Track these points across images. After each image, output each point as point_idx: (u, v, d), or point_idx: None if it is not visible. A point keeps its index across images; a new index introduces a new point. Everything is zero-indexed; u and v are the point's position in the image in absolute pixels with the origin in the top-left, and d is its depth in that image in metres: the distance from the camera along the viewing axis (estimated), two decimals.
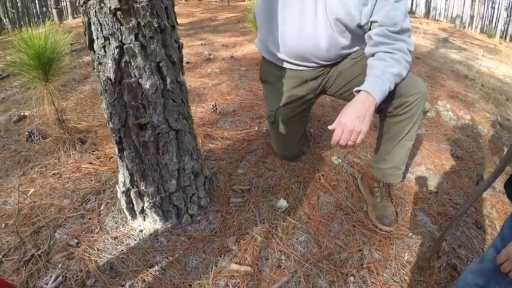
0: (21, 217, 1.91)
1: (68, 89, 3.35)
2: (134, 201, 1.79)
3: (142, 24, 1.37)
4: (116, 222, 1.89)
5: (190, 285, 1.62)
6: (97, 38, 1.41)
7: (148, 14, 1.37)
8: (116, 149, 1.68)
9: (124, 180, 1.77)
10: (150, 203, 1.81)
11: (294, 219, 1.97)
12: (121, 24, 1.35)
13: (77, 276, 1.62)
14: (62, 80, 2.51)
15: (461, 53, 7.22)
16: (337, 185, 2.25)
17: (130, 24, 1.35)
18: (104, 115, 1.64)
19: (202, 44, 5.20)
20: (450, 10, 13.93)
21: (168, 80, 1.55)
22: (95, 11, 1.35)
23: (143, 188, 1.77)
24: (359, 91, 1.61)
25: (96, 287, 1.58)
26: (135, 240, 1.80)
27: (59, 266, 1.67)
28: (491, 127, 3.57)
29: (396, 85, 1.71)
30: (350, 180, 2.29)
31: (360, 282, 1.69)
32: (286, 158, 2.40)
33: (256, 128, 2.79)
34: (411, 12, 13.83)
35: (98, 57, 1.46)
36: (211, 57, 4.46)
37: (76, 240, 1.77)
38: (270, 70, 2.15)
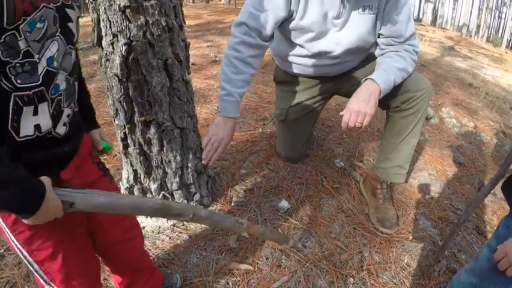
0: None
1: None
2: None
3: (151, 22, 1.40)
4: None
5: (191, 283, 1.63)
6: (106, 34, 1.43)
7: (156, 12, 1.39)
8: (121, 146, 1.70)
9: (128, 177, 1.79)
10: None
11: (295, 220, 1.98)
12: (130, 22, 1.37)
13: None
14: None
15: (467, 61, 7.22)
16: (339, 187, 2.26)
17: (139, 22, 1.38)
18: (110, 112, 1.67)
19: (208, 46, 5.23)
20: (457, 19, 13.93)
21: (174, 78, 1.57)
22: (104, 8, 1.37)
23: (147, 184, 1.79)
24: (365, 81, 1.71)
25: None
26: None
27: None
28: (494, 135, 3.57)
29: (403, 81, 1.79)
30: (352, 183, 2.30)
31: (360, 284, 1.70)
32: (290, 159, 2.41)
33: (260, 129, 2.81)
34: (418, 19, 13.82)
35: (106, 54, 1.48)
36: (217, 59, 4.48)
37: None
38: (284, 75, 2.20)
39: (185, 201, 1.89)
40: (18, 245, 0.95)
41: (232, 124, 1.74)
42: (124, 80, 1.48)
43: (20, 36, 0.73)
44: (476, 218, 2.28)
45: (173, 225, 1.89)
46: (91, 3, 1.41)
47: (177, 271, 1.66)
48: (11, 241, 0.95)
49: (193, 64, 4.15)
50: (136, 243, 1.36)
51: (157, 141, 1.66)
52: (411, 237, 1.98)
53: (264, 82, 3.73)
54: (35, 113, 0.82)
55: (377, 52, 1.92)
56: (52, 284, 1.05)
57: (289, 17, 1.75)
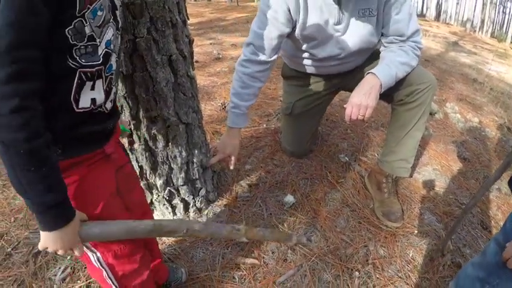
0: (30, 211, 1.94)
1: None
2: None
3: (155, 18, 1.40)
4: None
5: (197, 277, 1.64)
6: None
7: (160, 8, 1.40)
8: (127, 142, 1.71)
9: None
10: (159, 195, 1.84)
11: (300, 214, 1.99)
12: (134, 18, 1.38)
13: (85, 267, 1.66)
14: None
15: (471, 56, 7.20)
16: (344, 182, 2.27)
17: (143, 18, 1.38)
18: None
19: (211, 44, 5.24)
20: (461, 14, 13.86)
21: (179, 74, 1.58)
22: None
23: (152, 180, 1.80)
24: (367, 75, 1.74)
25: None
26: None
27: (68, 257, 1.70)
28: (499, 130, 3.56)
29: (407, 75, 1.81)
30: (357, 178, 2.30)
31: (365, 278, 1.70)
32: (295, 154, 2.42)
33: (265, 125, 2.81)
34: (422, 15, 13.75)
35: None
36: (220, 56, 4.49)
37: None
38: (292, 71, 2.23)
39: (191, 197, 1.90)
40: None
41: (239, 132, 1.93)
42: (129, 76, 1.49)
43: (86, 22, 0.83)
44: (481, 213, 2.28)
45: None
46: None
47: (182, 265, 1.67)
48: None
49: (196, 62, 4.15)
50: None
51: (163, 137, 1.67)
52: (416, 232, 1.98)
53: (268, 79, 3.72)
54: (93, 88, 0.93)
55: (381, 49, 1.93)
56: (97, 252, 1.11)
57: (292, 29, 1.81)
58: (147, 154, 1.71)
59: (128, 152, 1.28)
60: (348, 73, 2.06)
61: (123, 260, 1.15)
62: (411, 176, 2.35)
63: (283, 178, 2.25)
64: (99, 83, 0.95)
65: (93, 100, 0.94)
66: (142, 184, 1.80)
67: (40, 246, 0.91)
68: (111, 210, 1.08)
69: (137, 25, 1.37)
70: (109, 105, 1.03)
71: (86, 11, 0.82)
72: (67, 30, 0.80)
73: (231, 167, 1.91)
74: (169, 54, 1.51)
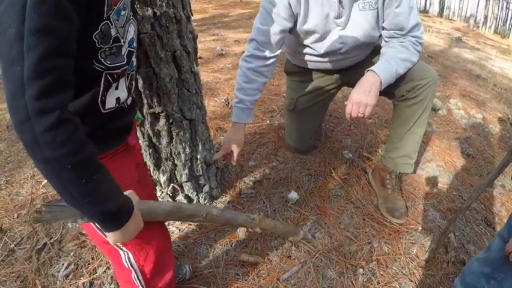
0: (34, 207, 1.94)
1: None
2: None
3: (158, 14, 1.39)
4: None
5: (201, 274, 1.64)
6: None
7: (164, 4, 1.39)
8: None
9: None
10: (162, 192, 1.84)
11: (304, 211, 1.99)
12: (138, 14, 1.37)
13: (88, 264, 1.66)
14: None
15: (474, 52, 7.15)
16: (348, 178, 2.26)
17: (147, 14, 1.38)
18: None
19: (214, 40, 5.21)
20: (464, 10, 13.77)
21: (183, 70, 1.57)
22: None
23: (156, 177, 1.80)
24: (367, 72, 1.74)
25: (108, 275, 1.61)
26: None
27: (71, 254, 1.70)
28: (503, 126, 3.54)
29: (408, 70, 1.81)
30: (360, 174, 2.30)
31: (369, 274, 1.70)
32: (298, 151, 2.42)
33: (268, 121, 2.81)
34: (425, 11, 13.68)
35: None
36: (224, 52, 4.47)
37: None
38: (295, 67, 2.23)
39: (195, 193, 1.89)
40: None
41: (243, 128, 1.90)
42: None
43: (112, 24, 0.82)
44: (485, 209, 2.27)
45: None
46: None
47: (186, 262, 1.67)
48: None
49: (199, 58, 4.14)
50: None
51: (166, 133, 1.66)
52: (420, 228, 1.98)
53: (272, 74, 3.72)
54: (117, 87, 0.92)
55: (382, 44, 1.92)
56: (130, 253, 1.10)
57: (294, 24, 1.82)
58: (151, 150, 1.71)
59: None
60: (351, 68, 2.05)
61: (153, 260, 1.14)
62: (414, 172, 2.34)
63: (287, 174, 2.24)
64: (122, 82, 0.94)
65: (117, 99, 0.94)
66: None
67: (112, 243, 0.91)
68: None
69: (141, 20, 1.37)
70: (129, 100, 1.04)
71: (111, 13, 0.81)
72: (94, 35, 0.78)
73: (233, 163, 1.90)
74: (173, 50, 1.50)
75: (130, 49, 0.93)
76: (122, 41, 0.88)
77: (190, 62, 1.62)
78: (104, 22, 0.79)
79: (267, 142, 2.54)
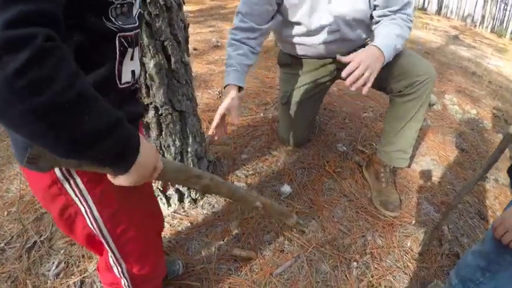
0: (23, 204, 1.90)
1: None
2: None
3: (148, 1, 1.36)
4: None
5: (193, 270, 1.61)
6: None
7: None
8: None
9: None
10: (152, 186, 1.80)
11: (297, 204, 1.97)
12: None
13: (79, 262, 1.63)
14: None
15: (471, 50, 7.16)
16: (341, 171, 2.24)
17: None
18: None
19: (210, 31, 5.16)
20: (462, 8, 13.82)
21: (173, 60, 1.53)
22: None
23: None
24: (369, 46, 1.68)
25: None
26: None
27: (62, 252, 1.67)
28: (497, 122, 3.55)
29: (407, 65, 1.80)
30: (354, 168, 2.28)
31: (363, 268, 1.68)
32: (292, 144, 2.39)
33: (262, 114, 2.78)
34: (423, 9, 13.71)
35: None
36: (219, 44, 4.43)
37: None
38: (288, 58, 2.18)
39: (186, 187, 1.86)
40: (101, 222, 0.92)
41: (235, 92, 1.68)
42: None
43: None
44: (478, 203, 2.27)
45: (174, 211, 1.88)
46: None
47: (178, 258, 1.64)
48: (90, 218, 0.91)
49: (194, 49, 4.12)
50: None
51: (156, 126, 1.63)
52: (414, 222, 1.97)
53: (266, 67, 3.70)
54: (132, 58, 0.84)
55: (373, 28, 1.88)
56: (123, 263, 1.04)
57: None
58: None
59: None
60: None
61: (148, 268, 1.11)
62: (409, 166, 2.33)
63: (280, 168, 2.22)
64: (136, 52, 0.85)
65: (133, 72, 0.86)
66: None
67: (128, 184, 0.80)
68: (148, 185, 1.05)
69: None
70: (141, 78, 0.94)
71: None
72: None
73: (236, 122, 1.68)
74: (163, 39, 1.47)
75: (140, 11, 0.86)
76: None
77: (181, 52, 1.59)
78: None
79: (261, 135, 2.52)
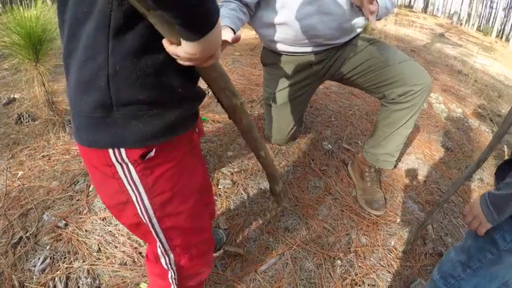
0: (9, 200, 1.88)
1: (59, 71, 3.27)
2: None
3: None
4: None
5: None
6: None
7: None
8: None
9: None
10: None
11: (283, 203, 1.97)
12: None
13: (65, 257, 1.61)
14: (54, 62, 2.45)
15: (457, 49, 7.24)
16: (327, 170, 2.24)
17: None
18: None
19: None
20: (448, 6, 13.96)
21: None
22: None
23: None
24: None
25: (84, 269, 1.56)
26: None
27: (47, 247, 1.65)
28: (482, 121, 3.59)
29: (401, 71, 1.77)
30: (340, 166, 2.29)
31: (347, 266, 1.69)
32: (277, 142, 2.38)
33: (248, 112, 2.76)
34: (409, 6, 13.80)
35: None
36: None
37: (64, 222, 1.75)
38: (271, 56, 2.09)
39: None
40: (151, 210, 0.90)
41: (228, 29, 1.55)
42: None
43: None
44: (463, 202, 2.30)
45: None
46: None
47: (220, 227, 1.69)
48: (140, 206, 0.90)
49: None
50: None
51: None
52: (398, 220, 1.98)
53: (252, 64, 3.69)
54: None
55: None
56: (171, 253, 1.02)
57: None
58: None
59: None
60: (331, 59, 1.98)
61: (195, 262, 1.08)
62: (395, 166, 2.34)
63: None
64: None
65: None
66: None
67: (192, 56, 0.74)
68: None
69: None
70: None
71: None
72: None
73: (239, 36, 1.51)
74: None
75: None
76: None
77: None
78: None
79: None
